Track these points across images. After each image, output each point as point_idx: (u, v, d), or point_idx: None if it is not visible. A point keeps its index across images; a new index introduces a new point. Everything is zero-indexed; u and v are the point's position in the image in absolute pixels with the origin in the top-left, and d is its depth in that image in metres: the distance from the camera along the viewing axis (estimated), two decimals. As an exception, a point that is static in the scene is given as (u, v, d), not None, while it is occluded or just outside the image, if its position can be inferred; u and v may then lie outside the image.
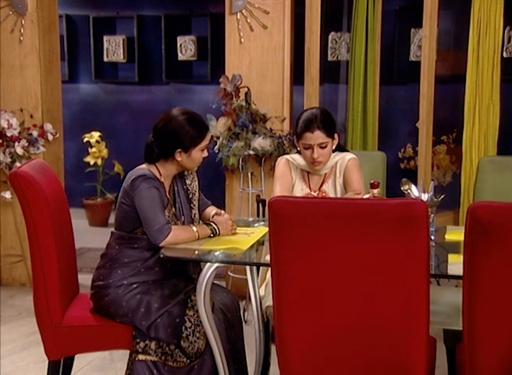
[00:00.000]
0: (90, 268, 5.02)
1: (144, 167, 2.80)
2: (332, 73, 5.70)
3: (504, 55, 5.09)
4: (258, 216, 3.97)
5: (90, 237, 6.28)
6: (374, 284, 2.08)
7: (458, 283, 3.89)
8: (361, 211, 2.06)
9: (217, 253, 2.59)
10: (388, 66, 5.76)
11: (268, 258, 2.53)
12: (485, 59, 4.03)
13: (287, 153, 3.89)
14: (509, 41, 5.27)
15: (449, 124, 5.33)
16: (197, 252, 2.60)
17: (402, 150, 5.92)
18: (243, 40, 4.31)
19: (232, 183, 4.41)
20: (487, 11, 4.01)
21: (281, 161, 3.17)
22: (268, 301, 2.83)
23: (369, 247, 2.05)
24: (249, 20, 4.29)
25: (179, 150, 2.72)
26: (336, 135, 3.03)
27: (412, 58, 6.00)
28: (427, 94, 4.20)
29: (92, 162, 6.74)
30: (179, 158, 2.73)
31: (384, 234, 2.04)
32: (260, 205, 3.86)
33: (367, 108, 4.37)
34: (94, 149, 6.70)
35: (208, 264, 2.52)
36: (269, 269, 3.09)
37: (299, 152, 3.12)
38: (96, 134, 6.69)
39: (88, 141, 6.71)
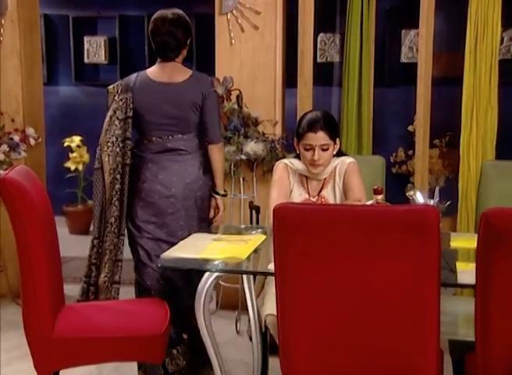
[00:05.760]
0: (72, 278, 4.94)
1: None
2: (321, 75, 5.70)
3: (502, 57, 5.11)
4: (251, 223, 3.95)
5: (72, 245, 6.17)
6: (382, 294, 2.07)
7: (456, 292, 3.90)
8: (370, 218, 2.05)
9: (216, 262, 2.56)
10: (379, 68, 5.76)
11: (270, 267, 2.51)
12: (483, 62, 4.04)
13: (284, 157, 3.87)
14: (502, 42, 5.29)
15: (442, 128, 5.34)
16: (193, 264, 2.59)
17: (394, 154, 5.92)
18: (233, 41, 4.29)
19: (222, 189, 4.37)
20: (484, 12, 4.02)
21: (279, 165, 3.16)
22: (268, 310, 2.81)
23: (378, 255, 2.04)
24: (240, 21, 4.28)
25: None
26: (337, 140, 3.04)
27: (403, 59, 6.02)
28: (424, 96, 4.20)
29: (73, 168, 6.68)
30: None
31: (393, 242, 2.03)
32: (253, 211, 3.84)
33: (362, 111, 4.37)
34: (74, 154, 6.65)
35: (208, 273, 2.49)
36: (266, 277, 3.08)
37: (297, 157, 3.11)
38: (77, 139, 6.64)
39: (69, 146, 6.65)
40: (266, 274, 2.75)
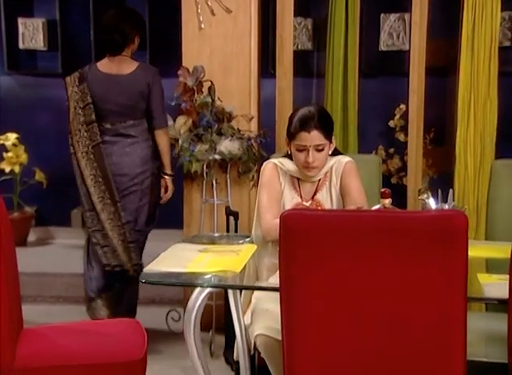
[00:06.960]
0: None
1: None
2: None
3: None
4: (228, 230, 3.91)
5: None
6: (403, 309, 2.07)
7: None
8: (391, 225, 2.05)
9: (208, 276, 2.52)
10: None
11: (272, 280, 2.49)
12: (481, 48, 4.07)
13: (265, 157, 3.85)
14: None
15: (426, 123, 5.38)
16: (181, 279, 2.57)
17: (373, 152, 5.94)
18: (202, 26, 4.25)
19: (191, 193, 4.32)
20: (483, -6, 4.06)
21: (267, 165, 3.13)
22: (258, 330, 2.78)
23: (398, 266, 2.04)
24: (210, 3, 4.23)
25: None
26: (333, 138, 3.03)
27: (382, 47, 6.01)
28: (417, 88, 4.21)
29: (8, 170, 6.51)
30: None
31: (415, 251, 2.03)
32: (231, 218, 3.81)
33: (348, 105, 4.36)
34: (10, 154, 6.48)
35: (199, 289, 2.46)
36: (253, 293, 3.06)
37: (288, 157, 3.09)
38: (12, 136, 6.47)
39: (3, 145, 6.49)
40: (270, 290, 2.71)
